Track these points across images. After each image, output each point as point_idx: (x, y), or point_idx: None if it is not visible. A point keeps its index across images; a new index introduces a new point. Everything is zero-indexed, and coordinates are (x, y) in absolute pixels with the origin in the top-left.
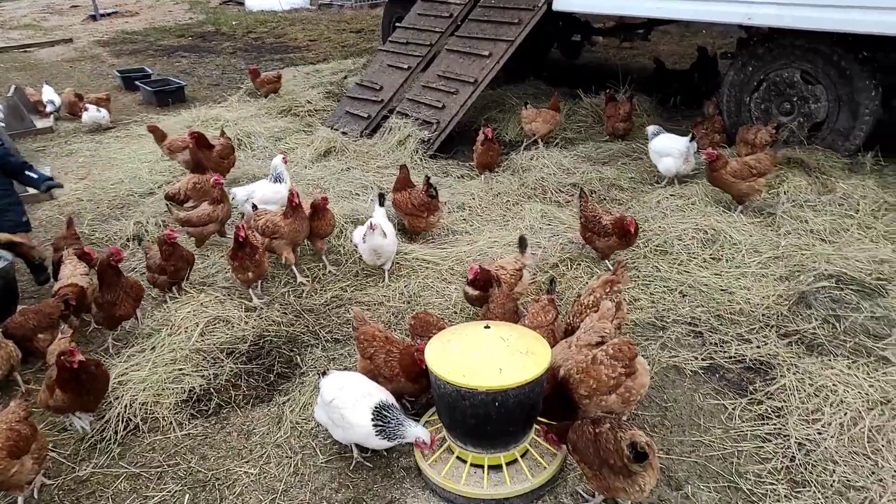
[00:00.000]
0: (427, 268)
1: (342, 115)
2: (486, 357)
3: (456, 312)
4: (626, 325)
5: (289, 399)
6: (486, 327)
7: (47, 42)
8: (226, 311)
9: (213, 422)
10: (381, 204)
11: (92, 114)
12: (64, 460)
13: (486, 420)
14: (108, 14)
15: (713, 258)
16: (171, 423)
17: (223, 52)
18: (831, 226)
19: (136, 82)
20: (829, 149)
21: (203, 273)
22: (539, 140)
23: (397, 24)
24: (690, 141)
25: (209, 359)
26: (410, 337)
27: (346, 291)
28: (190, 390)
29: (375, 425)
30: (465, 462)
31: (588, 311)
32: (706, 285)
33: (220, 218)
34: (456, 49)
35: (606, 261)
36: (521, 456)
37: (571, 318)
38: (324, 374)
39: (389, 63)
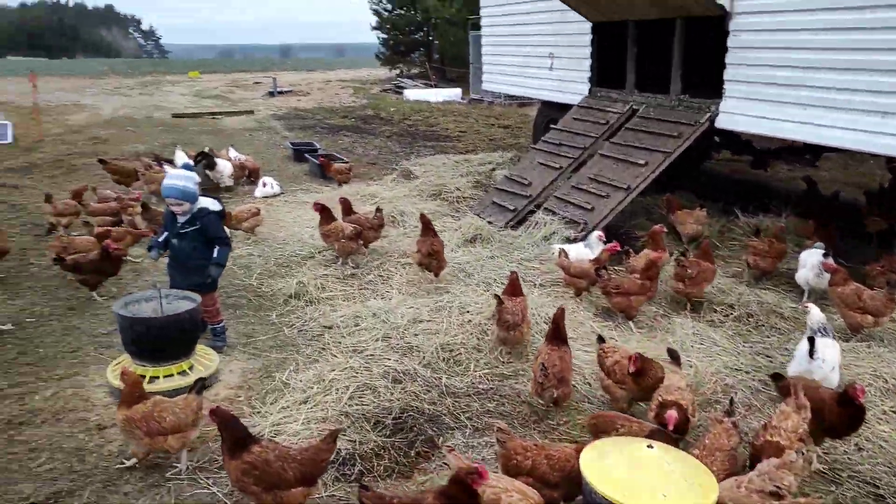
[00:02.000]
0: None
1: (489, 204)
2: (648, 479)
3: None
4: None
5: (428, 479)
6: (650, 447)
7: (233, 111)
8: (373, 380)
9: (355, 488)
10: None
11: (266, 190)
12: (223, 498)
13: None
14: (284, 92)
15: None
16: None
17: (381, 134)
18: None
19: (306, 154)
20: None
21: (357, 337)
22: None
23: (551, 126)
24: (824, 256)
25: (356, 425)
26: (593, 436)
27: (487, 381)
28: (336, 452)
29: None
30: None
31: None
32: (886, 441)
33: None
34: (610, 155)
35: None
36: None
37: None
38: None
39: (540, 161)
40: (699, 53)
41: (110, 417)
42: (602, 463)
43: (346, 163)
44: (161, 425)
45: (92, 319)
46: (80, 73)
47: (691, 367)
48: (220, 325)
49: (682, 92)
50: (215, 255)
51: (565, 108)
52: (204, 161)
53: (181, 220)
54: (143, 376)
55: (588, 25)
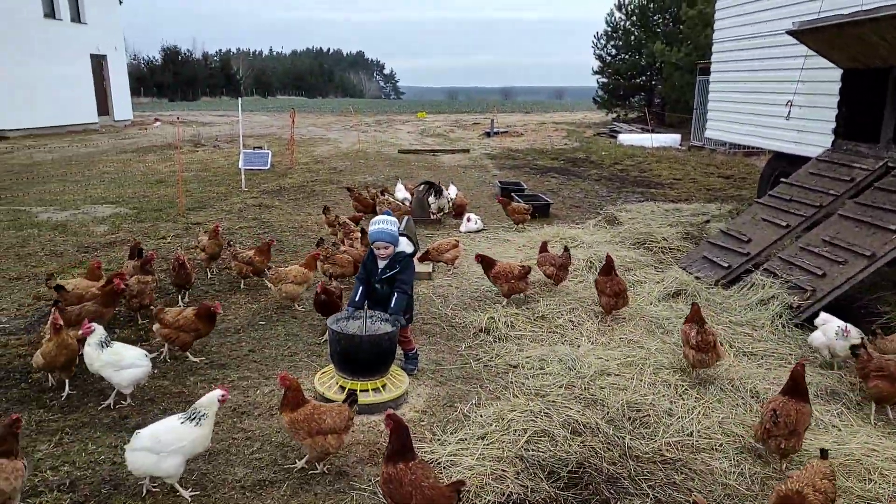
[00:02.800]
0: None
1: (698, 258)
2: None
3: None
4: None
5: None
6: None
7: (450, 150)
8: (552, 428)
9: None
10: None
11: (469, 225)
12: None
13: None
14: (500, 132)
15: None
16: None
17: (589, 177)
18: None
19: (512, 193)
20: None
21: (541, 381)
22: None
23: (781, 179)
24: None
25: (529, 470)
26: None
27: (676, 450)
28: (508, 494)
29: None
30: None
31: None
32: None
33: None
34: (852, 216)
35: None
36: None
37: None
38: None
39: (764, 217)
40: None
41: None
42: None
43: (526, 203)
44: (321, 426)
45: (309, 329)
46: (329, 111)
47: None
48: (413, 351)
49: None
50: (392, 303)
51: (800, 160)
52: (433, 188)
53: (382, 264)
54: (348, 387)
55: (837, 72)
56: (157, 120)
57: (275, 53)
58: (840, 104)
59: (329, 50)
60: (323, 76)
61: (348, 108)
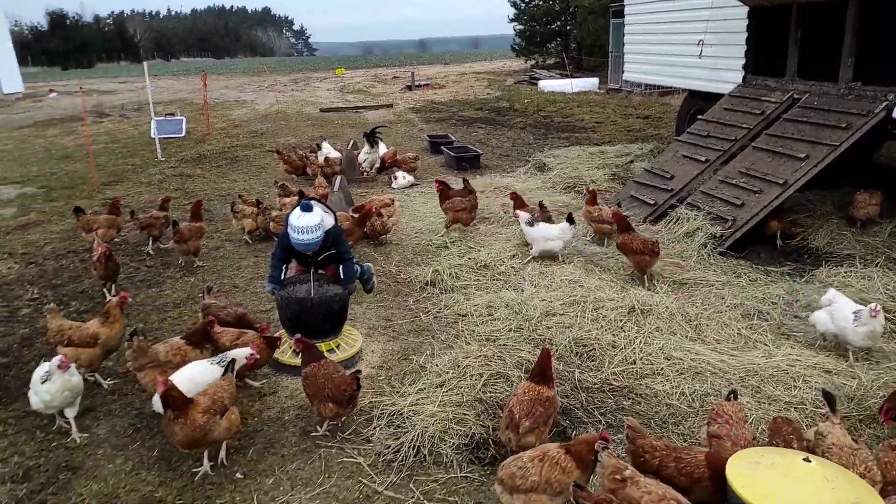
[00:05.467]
0: (715, 373)
1: (626, 198)
2: (804, 495)
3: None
4: None
5: None
6: (806, 460)
7: (373, 105)
8: (507, 370)
9: (489, 471)
10: None
11: (400, 182)
12: (367, 468)
13: None
14: (422, 85)
15: None
16: (452, 461)
17: (515, 126)
18: None
19: (442, 147)
20: None
21: (490, 327)
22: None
23: (698, 117)
24: None
25: (489, 411)
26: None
27: (622, 379)
28: (471, 436)
29: None
30: None
31: None
32: None
33: None
34: (765, 147)
35: None
36: None
37: None
38: None
39: (684, 154)
40: (870, 38)
41: (270, 387)
42: (752, 473)
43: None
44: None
45: (252, 297)
46: (240, 72)
47: (854, 378)
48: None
49: (852, 79)
50: (342, 275)
51: (714, 97)
52: (376, 137)
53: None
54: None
55: (744, 10)
56: (52, 91)
57: (173, 13)
58: (748, 41)
59: (232, 7)
60: (229, 36)
61: (262, 68)
